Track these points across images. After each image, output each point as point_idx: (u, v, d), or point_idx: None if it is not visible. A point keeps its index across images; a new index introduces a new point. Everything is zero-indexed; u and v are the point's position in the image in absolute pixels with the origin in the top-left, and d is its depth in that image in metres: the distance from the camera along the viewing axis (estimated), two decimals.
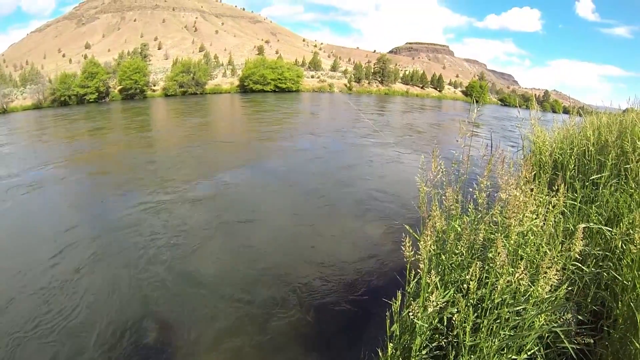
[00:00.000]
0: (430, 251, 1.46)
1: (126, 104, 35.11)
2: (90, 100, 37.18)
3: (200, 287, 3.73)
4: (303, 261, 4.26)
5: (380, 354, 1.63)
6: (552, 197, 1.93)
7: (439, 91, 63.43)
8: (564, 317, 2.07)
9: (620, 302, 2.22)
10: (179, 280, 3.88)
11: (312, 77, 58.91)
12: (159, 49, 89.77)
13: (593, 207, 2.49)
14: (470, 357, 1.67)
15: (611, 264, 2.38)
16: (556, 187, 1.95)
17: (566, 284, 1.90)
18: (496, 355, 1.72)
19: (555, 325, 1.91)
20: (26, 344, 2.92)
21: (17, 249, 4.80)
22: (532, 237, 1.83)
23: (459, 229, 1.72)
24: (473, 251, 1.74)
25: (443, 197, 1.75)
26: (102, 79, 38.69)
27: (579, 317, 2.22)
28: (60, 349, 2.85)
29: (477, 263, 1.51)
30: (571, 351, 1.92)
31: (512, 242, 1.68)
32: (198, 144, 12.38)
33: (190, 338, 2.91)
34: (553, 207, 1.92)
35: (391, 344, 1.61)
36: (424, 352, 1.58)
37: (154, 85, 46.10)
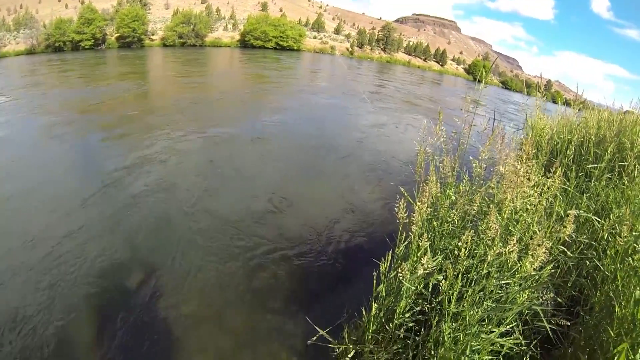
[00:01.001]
0: (424, 215, 1.49)
1: (123, 52, 34.23)
2: (86, 47, 36.41)
3: (189, 236, 3.74)
4: (293, 217, 4.28)
5: (364, 313, 1.68)
6: (548, 179, 1.97)
7: (441, 65, 63.60)
8: (544, 297, 2.17)
9: (598, 291, 2.32)
10: (166, 228, 3.90)
11: (315, 37, 58.44)
12: None
13: (584, 197, 2.58)
14: (452, 324, 1.73)
15: (595, 254, 2.48)
16: (553, 170, 2.00)
17: (550, 265, 1.98)
18: (477, 325, 1.80)
19: (536, 303, 1.99)
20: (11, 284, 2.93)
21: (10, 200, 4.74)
22: (524, 215, 1.88)
23: (454, 197, 1.75)
24: (465, 221, 1.78)
25: (440, 164, 1.77)
26: (99, 25, 37.84)
27: (558, 299, 2.33)
28: (45, 291, 2.85)
29: (469, 232, 1.55)
30: (548, 330, 2.01)
31: (504, 216, 1.72)
32: (193, 96, 12.14)
33: (176, 287, 2.93)
34: (548, 188, 1.97)
35: (376, 304, 1.66)
36: (407, 315, 1.63)
37: (153, 35, 45.46)
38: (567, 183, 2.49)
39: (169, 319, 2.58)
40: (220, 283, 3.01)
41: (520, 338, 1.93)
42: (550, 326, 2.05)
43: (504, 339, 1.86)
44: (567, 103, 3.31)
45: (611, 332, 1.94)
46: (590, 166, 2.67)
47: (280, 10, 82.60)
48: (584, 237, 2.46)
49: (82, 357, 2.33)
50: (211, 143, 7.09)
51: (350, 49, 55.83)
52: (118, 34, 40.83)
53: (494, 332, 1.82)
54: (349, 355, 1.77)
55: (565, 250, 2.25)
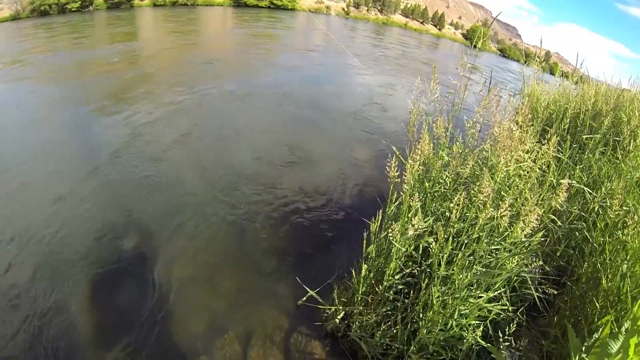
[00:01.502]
0: (415, 176, 1.47)
1: (111, 13, 33.30)
2: (73, 10, 34.77)
3: (176, 199, 3.73)
4: (281, 176, 4.26)
5: (353, 273, 1.69)
6: (543, 145, 1.97)
7: (439, 29, 63.27)
8: (532, 265, 2.21)
9: (586, 262, 2.37)
10: (157, 189, 3.89)
11: None
12: None
13: (577, 168, 2.60)
14: (441, 288, 1.76)
15: (585, 225, 2.52)
16: (548, 137, 1.99)
17: (541, 233, 2.00)
18: (465, 290, 1.82)
19: (525, 270, 2.02)
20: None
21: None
22: (517, 181, 1.88)
23: (447, 159, 1.73)
24: (457, 184, 1.77)
25: (433, 123, 1.74)
26: None
27: (546, 268, 2.38)
28: (39, 256, 2.85)
29: (461, 194, 1.54)
30: (535, 298, 2.05)
31: (497, 180, 1.71)
32: (185, 57, 11.90)
33: (167, 250, 2.94)
34: (542, 155, 1.97)
35: (365, 265, 1.66)
36: (397, 277, 1.64)
37: None
38: (561, 152, 2.50)
39: (160, 282, 2.58)
40: (210, 246, 3.01)
41: (508, 304, 1.97)
42: (537, 294, 2.09)
43: (492, 304, 1.90)
44: (564, 75, 3.29)
45: (597, 304, 2.00)
46: (585, 136, 2.68)
47: None
48: (575, 207, 2.49)
49: (75, 320, 2.34)
50: (199, 103, 6.97)
51: (346, 9, 55.07)
52: None
53: (482, 297, 1.85)
54: (339, 317, 1.79)
55: (556, 219, 2.27)
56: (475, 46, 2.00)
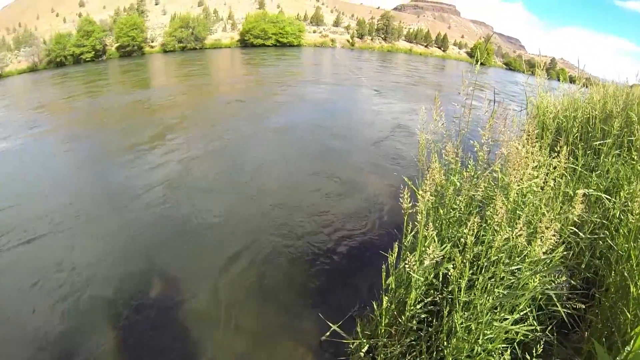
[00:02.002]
0: (428, 204, 1.49)
1: (124, 61, 35.33)
2: (87, 60, 37.82)
3: (201, 232, 3.88)
4: (298, 212, 4.35)
5: (375, 306, 1.69)
6: (554, 158, 1.97)
7: (443, 51, 64.47)
8: (557, 281, 2.17)
9: (613, 272, 2.32)
10: (181, 226, 4.04)
11: (314, 32, 60.00)
12: (156, 4, 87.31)
13: (593, 175, 2.57)
14: (464, 314, 1.74)
15: (607, 233, 2.47)
16: (558, 149, 1.99)
17: (562, 248, 1.97)
18: (489, 314, 1.80)
19: (549, 287, 1.98)
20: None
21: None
22: (531, 197, 1.88)
23: (458, 184, 1.75)
24: (471, 207, 1.78)
25: (443, 150, 1.77)
26: (98, 37, 39.09)
27: (572, 282, 2.33)
28: (62, 298, 2.95)
29: (475, 218, 1.55)
30: (563, 314, 2.01)
31: (511, 199, 1.72)
32: (199, 99, 12.45)
33: (188, 286, 3.02)
34: (554, 168, 1.96)
35: (386, 297, 1.67)
36: (418, 306, 1.64)
37: (152, 42, 46.89)
38: (575, 162, 2.48)
39: (181, 319, 2.64)
40: (231, 281, 3.09)
41: (535, 324, 1.93)
42: (565, 310, 2.04)
43: (518, 326, 1.86)
44: (571, 80, 3.28)
45: (627, 314, 1.94)
46: (597, 143, 2.66)
47: (278, 6, 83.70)
48: (596, 216, 2.46)
49: (96, 356, 2.38)
50: (218, 143, 7.23)
51: (350, 41, 57.13)
52: (118, 44, 42.00)
53: (507, 319, 1.83)
54: (363, 350, 1.79)
55: (577, 231, 2.24)
56: (479, 62, 2.04)
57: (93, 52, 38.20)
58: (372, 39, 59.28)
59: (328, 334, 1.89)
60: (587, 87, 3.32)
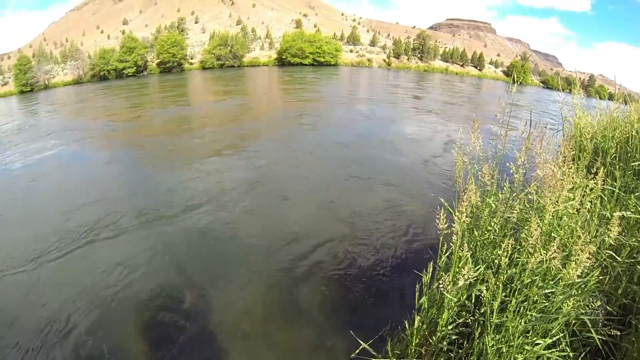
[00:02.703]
0: (464, 225, 1.53)
1: (164, 76, 37.37)
2: (129, 74, 40.05)
3: (234, 253, 3.99)
4: (335, 231, 4.45)
5: (406, 325, 1.72)
6: (590, 180, 1.95)
7: (479, 70, 63.97)
8: (592, 306, 2.13)
9: None
10: (213, 246, 4.17)
11: (351, 51, 60.68)
12: (195, 22, 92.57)
13: (632, 197, 2.51)
14: (495, 336, 1.75)
15: None
16: (594, 171, 1.97)
17: (597, 271, 1.95)
18: (521, 337, 1.80)
19: (583, 313, 1.96)
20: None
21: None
22: (566, 219, 1.87)
23: (494, 206, 1.77)
24: (506, 230, 1.79)
25: (479, 172, 1.79)
26: (140, 53, 41.29)
27: (608, 308, 2.28)
28: (96, 314, 3.11)
29: (509, 240, 1.57)
30: (597, 341, 1.98)
31: (546, 222, 1.72)
32: (238, 117, 12.84)
33: (221, 303, 3.15)
34: (590, 190, 1.95)
35: (418, 317, 1.70)
36: (450, 327, 1.66)
37: (192, 59, 48.98)
38: (613, 183, 2.43)
39: (214, 336, 2.75)
40: (263, 299, 3.19)
41: (568, 350, 1.91)
42: (599, 337, 2.01)
43: (550, 351, 1.85)
44: (611, 97, 3.19)
45: None
46: (635, 164, 2.59)
47: (315, 26, 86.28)
48: (634, 240, 2.39)
49: None
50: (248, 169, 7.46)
51: (387, 60, 57.64)
52: (159, 60, 44.29)
53: (539, 344, 1.82)
54: None
55: (614, 255, 2.20)
56: (516, 83, 2.06)
57: (135, 68, 40.47)
58: (408, 59, 59.71)
59: (357, 351, 1.93)
60: (626, 103, 3.23)
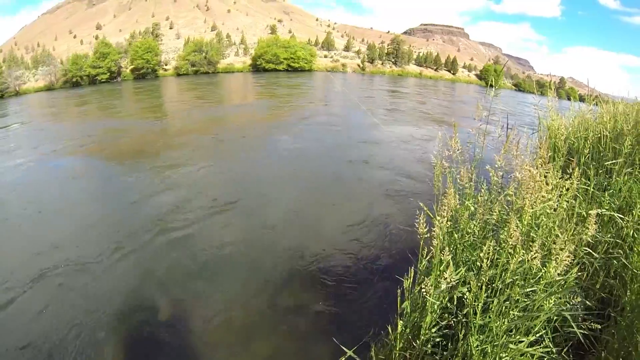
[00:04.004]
0: (444, 229, 1.54)
1: (138, 83, 36.60)
2: (102, 80, 39.03)
3: (213, 262, 3.93)
4: (313, 237, 4.42)
5: (390, 330, 1.71)
6: (566, 180, 2.00)
7: (453, 74, 65.22)
8: (572, 302, 2.17)
9: (629, 290, 2.31)
10: (192, 255, 4.09)
11: (325, 56, 60.98)
12: (170, 28, 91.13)
13: (606, 194, 2.58)
14: (479, 337, 1.76)
15: (621, 252, 2.48)
16: (570, 171, 2.03)
17: (576, 269, 1.99)
18: (504, 336, 1.82)
19: (564, 309, 1.99)
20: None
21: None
22: (544, 219, 1.91)
23: (473, 208, 1.79)
24: (485, 231, 1.81)
25: (457, 175, 1.81)
26: (113, 59, 40.44)
27: (587, 302, 2.33)
28: (76, 323, 3.00)
29: (490, 242, 1.59)
30: (579, 335, 2.01)
31: (524, 223, 1.75)
32: (210, 125, 12.64)
33: (202, 316, 3.08)
34: (566, 190, 2.00)
35: (401, 321, 1.70)
36: (433, 330, 1.67)
37: (166, 65, 48.34)
38: (588, 182, 2.51)
39: (195, 344, 2.68)
40: (245, 307, 3.15)
41: (551, 346, 1.94)
42: (581, 331, 2.05)
43: (534, 348, 1.87)
44: (582, 99, 3.31)
45: None
46: (608, 163, 2.68)
47: (290, 31, 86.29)
48: (609, 236, 2.46)
49: None
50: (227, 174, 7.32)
51: (361, 65, 58.03)
52: (132, 66, 43.38)
53: (522, 341, 1.84)
54: None
55: (591, 251, 2.26)
56: (493, 87, 2.09)
57: (108, 74, 39.54)
58: (382, 63, 60.28)
59: (343, 359, 1.92)
60: (597, 105, 3.35)
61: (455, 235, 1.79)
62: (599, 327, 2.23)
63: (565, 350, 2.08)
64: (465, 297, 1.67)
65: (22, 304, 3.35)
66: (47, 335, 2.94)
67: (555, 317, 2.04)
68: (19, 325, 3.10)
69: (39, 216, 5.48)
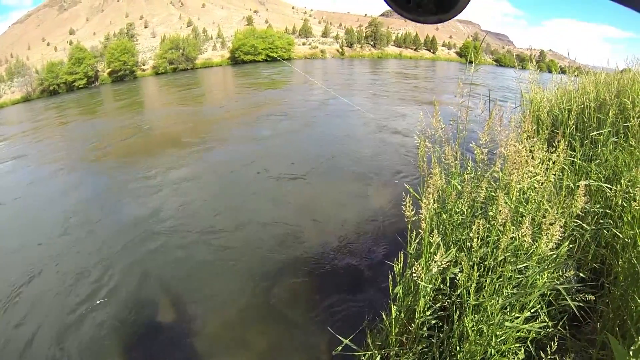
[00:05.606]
0: (431, 210, 1.49)
1: (117, 86, 35.45)
2: (80, 87, 37.79)
3: (199, 261, 3.84)
4: (302, 226, 4.35)
5: (384, 316, 1.68)
6: (552, 153, 1.97)
7: (433, 53, 65.29)
8: (565, 275, 2.16)
9: (620, 259, 2.31)
10: (186, 252, 4.03)
11: (304, 44, 60.23)
12: (145, 27, 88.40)
13: (592, 165, 2.57)
14: (474, 317, 1.73)
15: (611, 222, 2.47)
16: (555, 144, 1.99)
17: (567, 242, 1.97)
18: (499, 314, 1.79)
19: (558, 282, 1.97)
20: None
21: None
22: (532, 194, 1.87)
23: (460, 187, 1.75)
24: (474, 210, 1.77)
25: (442, 154, 1.76)
26: (89, 63, 39.21)
27: (580, 274, 2.32)
28: (73, 326, 2.94)
29: (479, 221, 1.55)
30: (573, 308, 2.00)
31: (513, 199, 1.72)
32: (192, 123, 12.36)
33: (196, 309, 3.03)
34: (553, 163, 1.96)
35: (395, 306, 1.66)
36: (428, 313, 1.63)
37: (144, 65, 47.20)
38: (573, 154, 2.48)
39: (192, 341, 2.64)
40: (239, 302, 3.08)
41: (547, 320, 1.92)
42: (575, 303, 2.03)
43: (530, 324, 1.85)
44: (562, 71, 3.30)
45: (638, 300, 1.93)
46: (593, 133, 2.66)
47: (266, 21, 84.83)
48: (598, 206, 2.45)
49: None
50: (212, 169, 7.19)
51: (340, 50, 57.68)
52: (110, 69, 42.21)
53: (518, 318, 1.82)
54: None
55: (581, 223, 2.24)
56: (473, 64, 2.04)
57: (85, 79, 38.33)
58: (361, 47, 59.81)
59: (340, 348, 1.88)
60: (577, 76, 3.33)
61: (444, 216, 1.75)
62: (593, 297, 2.22)
63: (561, 323, 2.07)
64: (457, 277, 1.63)
65: (22, 304, 3.32)
66: (47, 335, 2.88)
67: (549, 292, 2.02)
68: (20, 325, 3.07)
69: (34, 229, 5.44)
